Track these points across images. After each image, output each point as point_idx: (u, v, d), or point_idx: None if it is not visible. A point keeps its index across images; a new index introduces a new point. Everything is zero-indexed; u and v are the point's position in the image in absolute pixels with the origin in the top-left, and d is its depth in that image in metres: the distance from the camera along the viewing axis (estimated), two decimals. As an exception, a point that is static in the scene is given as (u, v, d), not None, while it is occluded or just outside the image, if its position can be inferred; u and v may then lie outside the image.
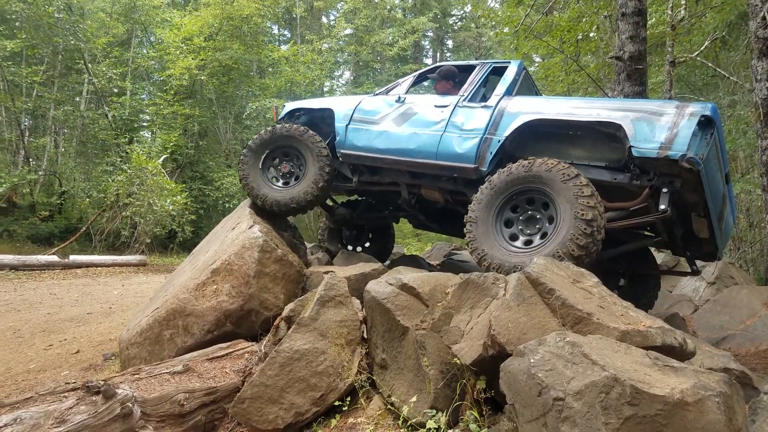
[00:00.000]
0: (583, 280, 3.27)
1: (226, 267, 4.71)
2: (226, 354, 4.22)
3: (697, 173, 3.80)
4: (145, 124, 20.21)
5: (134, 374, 3.85)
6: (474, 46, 35.66)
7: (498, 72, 5.16)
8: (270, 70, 23.94)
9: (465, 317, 3.11)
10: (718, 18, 13.27)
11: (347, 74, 32.37)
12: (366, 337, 3.83)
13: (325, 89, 28.41)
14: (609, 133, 4.20)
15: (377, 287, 3.64)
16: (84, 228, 16.03)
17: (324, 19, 32.47)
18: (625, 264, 5.31)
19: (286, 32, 32.47)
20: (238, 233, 5.10)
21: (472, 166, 4.60)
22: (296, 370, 3.56)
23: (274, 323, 4.52)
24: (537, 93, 5.63)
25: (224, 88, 20.05)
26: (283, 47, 28.58)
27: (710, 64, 13.42)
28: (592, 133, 4.34)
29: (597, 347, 2.44)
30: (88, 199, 16.35)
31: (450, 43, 39.14)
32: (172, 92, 17.82)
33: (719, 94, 14.80)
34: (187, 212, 15.59)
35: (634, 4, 7.92)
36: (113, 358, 5.70)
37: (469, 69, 5.33)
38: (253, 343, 4.45)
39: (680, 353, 2.92)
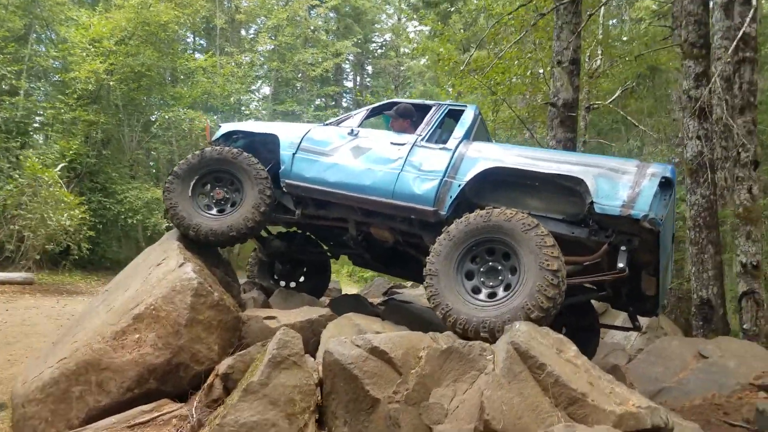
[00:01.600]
0: (565, 349, 3.11)
1: (152, 313, 4.10)
2: (150, 420, 3.62)
3: (656, 234, 3.85)
4: (37, 124, 18.30)
5: (36, 451, 3.19)
6: (393, 74, 36.29)
7: (453, 115, 5.05)
8: (182, 77, 22.69)
9: (448, 392, 2.81)
10: (629, 72, 14.32)
11: (266, 89, 31.55)
12: (322, 403, 3.41)
13: (243, 108, 27.49)
14: (569, 187, 4.17)
15: (342, 349, 3.25)
16: (-41, 242, 14.04)
17: (244, 32, 31.59)
18: (569, 317, 5.22)
19: (202, 41, 31.19)
20: (165, 271, 4.48)
21: (431, 208, 4.43)
22: (243, 446, 3.07)
23: (207, 381, 3.97)
24: (489, 139, 5.59)
25: (134, 94, 18.66)
26: (198, 56, 27.38)
27: (621, 112, 14.41)
28: (551, 186, 4.30)
29: (608, 443, 2.24)
30: (-34, 211, 14.34)
31: (370, 68, 39.63)
32: (75, 96, 16.26)
33: (628, 141, 15.89)
34: (84, 227, 14.13)
35: (570, 54, 8.21)
36: (0, 410, 4.80)
37: (425, 109, 5.17)
38: (181, 404, 3.87)
39: (665, 429, 2.82)
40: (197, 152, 5.24)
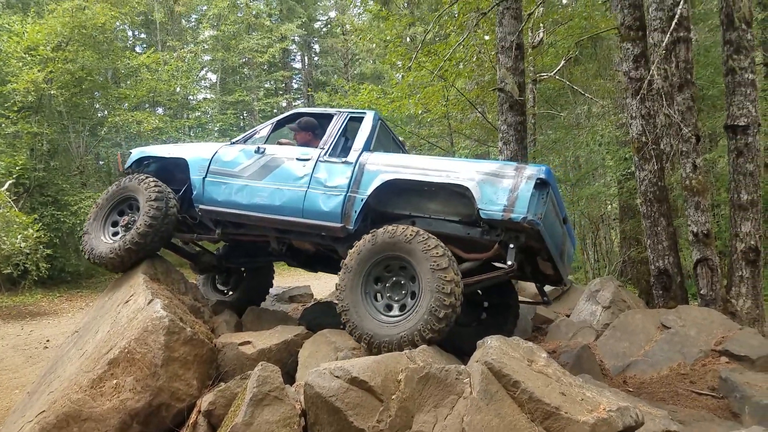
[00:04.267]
0: (536, 358, 3.25)
1: (127, 356, 4.06)
2: (139, 467, 3.63)
3: (537, 230, 4.17)
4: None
5: None
6: (341, 51, 35.80)
7: (356, 120, 5.21)
8: (125, 76, 21.91)
9: (429, 418, 2.92)
10: (571, 40, 14.55)
11: (212, 77, 30.68)
12: (308, 432, 3.48)
13: (191, 99, 26.73)
14: (460, 192, 4.47)
15: (321, 381, 3.30)
16: None
17: (185, 22, 30.54)
18: (489, 296, 5.54)
19: (142, 35, 30.03)
20: (134, 310, 4.44)
21: (339, 225, 4.66)
22: (235, 489, 3.12)
23: (191, 419, 3.99)
24: (394, 138, 5.74)
25: (76, 99, 17.94)
26: (138, 50, 26.37)
27: (567, 83, 14.67)
28: (445, 191, 4.59)
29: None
30: None
31: (317, 47, 38.98)
32: (15, 109, 15.56)
33: (575, 109, 16.21)
34: (41, 246, 13.69)
35: (512, 39, 8.27)
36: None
37: (328, 117, 5.32)
38: (167, 445, 3.89)
39: (636, 427, 3.01)
40: (115, 182, 5.45)
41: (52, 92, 16.02)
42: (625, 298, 6.73)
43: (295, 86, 37.16)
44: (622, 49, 7.13)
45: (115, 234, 5.27)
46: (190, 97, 26.84)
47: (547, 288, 7.53)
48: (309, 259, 5.90)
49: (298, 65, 38.61)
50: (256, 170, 5.05)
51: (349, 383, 3.24)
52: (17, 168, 15.30)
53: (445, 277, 3.93)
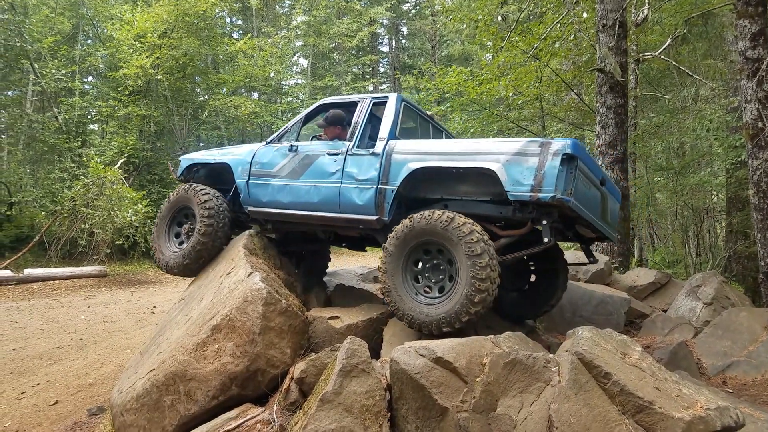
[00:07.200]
0: (629, 351, 3.16)
1: (228, 324, 4.37)
2: (237, 426, 3.91)
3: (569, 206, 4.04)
4: (94, 127, 19.08)
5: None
6: (429, 33, 35.49)
7: (380, 104, 5.16)
8: (223, 61, 23.04)
9: (515, 403, 2.92)
10: (679, 17, 13.53)
11: (304, 62, 31.50)
12: (393, 406, 3.59)
13: (283, 84, 27.63)
14: (488, 174, 4.37)
15: (407, 359, 3.40)
16: (38, 237, 15.05)
17: (278, 8, 31.52)
18: (537, 262, 5.42)
19: (239, 21, 31.36)
20: (235, 281, 4.75)
21: (374, 217, 4.74)
22: (324, 454, 3.30)
23: (283, 385, 4.24)
24: (422, 115, 5.61)
25: (180, 84, 19.19)
26: (235, 35, 27.59)
27: (674, 63, 13.68)
28: (474, 173, 4.49)
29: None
30: (42, 212, 15.31)
31: (405, 30, 38.90)
32: (127, 92, 16.88)
33: (681, 91, 15.10)
34: (149, 220, 14.86)
35: (615, 17, 7.87)
36: (99, 414, 5.29)
37: (352, 105, 5.31)
38: (262, 408, 4.14)
39: (736, 428, 2.86)
40: (165, 200, 5.83)
41: (158, 77, 17.21)
42: (729, 294, 6.30)
43: (382, 70, 37.41)
44: (737, 27, 6.57)
45: (181, 243, 5.66)
46: (283, 82, 27.81)
47: (642, 281, 7.21)
48: (356, 241, 6.07)
49: (385, 48, 38.82)
50: (292, 169, 5.19)
51: (433, 362, 3.31)
52: (128, 147, 16.65)
53: (480, 286, 3.92)
